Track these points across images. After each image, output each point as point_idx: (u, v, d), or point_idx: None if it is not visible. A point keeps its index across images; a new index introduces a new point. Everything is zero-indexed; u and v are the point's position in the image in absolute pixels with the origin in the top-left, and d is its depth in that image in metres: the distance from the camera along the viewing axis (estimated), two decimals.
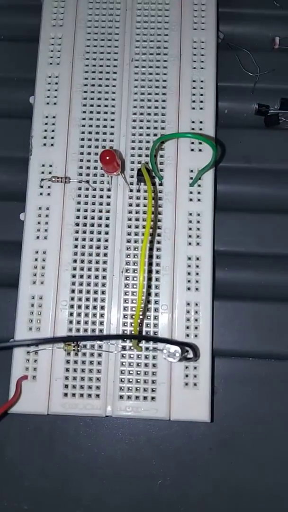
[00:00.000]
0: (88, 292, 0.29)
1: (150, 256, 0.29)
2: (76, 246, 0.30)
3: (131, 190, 0.30)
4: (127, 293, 0.29)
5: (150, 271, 0.29)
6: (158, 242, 0.30)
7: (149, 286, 0.29)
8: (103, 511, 0.30)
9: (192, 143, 0.31)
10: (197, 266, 0.29)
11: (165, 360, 0.24)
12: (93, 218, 0.30)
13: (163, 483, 0.30)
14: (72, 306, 0.29)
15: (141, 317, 0.28)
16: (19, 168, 0.32)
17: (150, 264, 0.29)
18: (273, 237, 0.32)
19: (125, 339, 0.28)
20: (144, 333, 0.28)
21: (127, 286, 0.29)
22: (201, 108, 0.31)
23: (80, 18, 0.32)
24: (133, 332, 0.25)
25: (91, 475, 0.30)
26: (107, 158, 0.24)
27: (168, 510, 0.30)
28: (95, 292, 0.29)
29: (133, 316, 0.28)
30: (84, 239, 0.30)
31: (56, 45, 0.32)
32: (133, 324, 0.25)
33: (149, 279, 0.29)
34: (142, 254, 0.23)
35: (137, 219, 0.30)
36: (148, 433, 0.30)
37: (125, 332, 0.29)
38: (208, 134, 0.31)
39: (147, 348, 0.28)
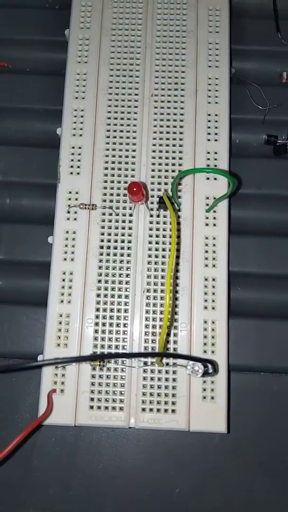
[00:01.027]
0: (112, 310, 0.31)
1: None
2: (100, 268, 0.32)
3: (151, 216, 0.32)
4: (148, 312, 0.31)
5: (171, 291, 0.31)
6: (177, 264, 0.32)
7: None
8: None
9: None
10: (213, 286, 0.31)
11: (189, 375, 0.26)
12: (116, 241, 0.32)
13: (181, 492, 0.32)
14: (97, 324, 0.31)
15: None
16: (46, 194, 0.35)
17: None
18: (284, 258, 0.34)
19: (149, 357, 0.30)
20: (164, 349, 0.30)
21: (148, 305, 0.31)
22: (215, 140, 0.34)
23: (103, 56, 0.35)
24: (156, 349, 0.27)
25: (113, 483, 0.32)
26: (134, 189, 0.27)
27: None
28: (119, 310, 0.31)
29: (154, 333, 0.30)
30: (108, 261, 0.32)
31: (81, 80, 0.35)
32: (158, 342, 0.27)
33: (170, 298, 0.31)
34: (168, 276, 0.25)
35: (157, 242, 0.32)
36: (166, 443, 0.32)
37: (147, 348, 0.31)
38: (222, 163, 0.33)
39: (167, 364, 0.30)
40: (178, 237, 0.32)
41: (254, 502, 0.31)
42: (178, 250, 0.32)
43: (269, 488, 0.31)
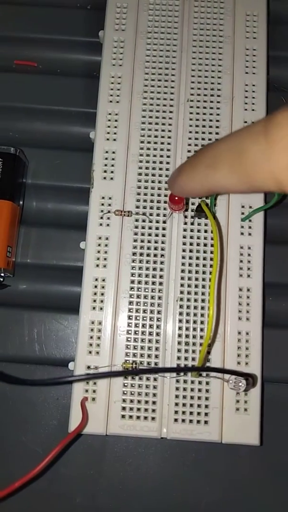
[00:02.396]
0: (144, 318, 0.31)
1: (204, 286, 0.31)
2: (133, 275, 0.31)
3: (185, 223, 0.32)
4: (181, 321, 0.31)
5: (204, 300, 0.31)
6: (210, 274, 0.31)
7: (202, 315, 0.31)
8: None
9: None
10: (248, 297, 0.31)
11: (232, 390, 0.26)
12: (149, 248, 0.32)
13: (208, 502, 0.31)
14: (129, 332, 0.31)
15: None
16: (78, 198, 0.34)
17: (204, 294, 0.31)
18: None
19: (188, 372, 0.29)
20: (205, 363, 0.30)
21: (181, 314, 0.31)
22: None
23: (138, 59, 0.35)
24: (192, 360, 0.27)
25: (140, 493, 0.32)
26: (176, 198, 0.26)
27: None
28: (151, 319, 0.31)
29: (188, 343, 0.30)
30: (140, 268, 0.31)
31: (115, 83, 0.34)
32: (199, 355, 0.27)
33: (203, 308, 0.31)
34: (212, 287, 0.25)
35: (191, 250, 0.32)
36: (196, 454, 0.32)
37: (180, 357, 0.30)
38: None
39: (200, 375, 0.30)
40: (212, 246, 0.32)
41: None
42: (211, 260, 0.31)
43: None
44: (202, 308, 0.31)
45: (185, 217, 0.32)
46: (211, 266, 0.31)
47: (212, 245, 0.32)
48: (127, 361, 0.30)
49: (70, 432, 0.25)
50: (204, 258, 0.31)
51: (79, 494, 0.32)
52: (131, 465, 0.32)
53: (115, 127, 0.33)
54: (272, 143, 0.17)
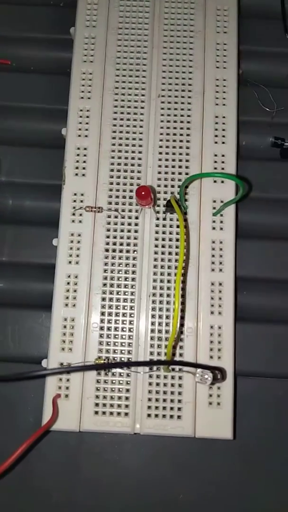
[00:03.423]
0: (117, 314, 0.31)
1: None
2: (106, 271, 0.31)
3: (157, 219, 0.32)
4: (154, 316, 0.31)
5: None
6: (183, 268, 0.31)
7: (174, 310, 0.31)
8: None
9: None
10: (220, 291, 0.31)
11: (198, 383, 0.26)
12: (121, 244, 0.32)
13: (185, 497, 0.32)
14: (102, 328, 0.31)
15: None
16: (50, 195, 0.34)
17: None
18: None
19: (157, 365, 0.29)
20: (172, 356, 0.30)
21: (154, 309, 0.31)
22: (223, 143, 0.33)
23: (109, 55, 0.34)
24: (163, 354, 0.27)
25: (116, 488, 0.32)
26: (143, 193, 0.26)
27: None
28: (124, 314, 0.31)
29: (160, 338, 0.30)
30: (113, 264, 0.31)
31: (87, 80, 0.34)
32: (167, 349, 0.27)
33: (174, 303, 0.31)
34: (177, 282, 0.25)
35: (163, 246, 0.32)
36: (170, 449, 0.32)
37: (152, 353, 0.30)
38: (229, 167, 0.33)
39: (173, 369, 0.30)
40: (185, 241, 0.32)
41: (258, 508, 0.31)
42: (184, 255, 0.31)
43: (274, 494, 0.31)
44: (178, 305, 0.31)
45: (157, 212, 0.32)
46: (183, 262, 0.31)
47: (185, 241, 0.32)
48: (100, 357, 0.30)
49: (39, 428, 0.25)
50: (177, 254, 0.31)
51: (55, 490, 0.32)
52: (107, 461, 0.32)
53: (87, 123, 0.33)
54: None
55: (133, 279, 0.31)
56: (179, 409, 0.30)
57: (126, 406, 0.30)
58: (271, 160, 0.36)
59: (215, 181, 0.33)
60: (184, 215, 0.32)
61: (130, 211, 0.32)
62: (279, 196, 0.35)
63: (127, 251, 0.32)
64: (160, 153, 0.33)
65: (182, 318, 0.31)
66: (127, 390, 0.30)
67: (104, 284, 0.31)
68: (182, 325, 0.31)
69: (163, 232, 0.32)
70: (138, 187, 0.27)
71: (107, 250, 0.32)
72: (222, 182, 0.32)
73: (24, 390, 0.33)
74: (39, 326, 0.33)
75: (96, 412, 0.30)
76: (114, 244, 0.32)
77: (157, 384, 0.30)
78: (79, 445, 0.32)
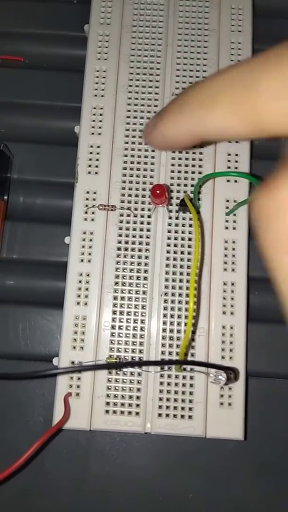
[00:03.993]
0: (129, 313, 0.31)
1: (188, 281, 0.31)
2: (117, 270, 0.31)
3: (170, 218, 0.32)
4: (166, 315, 0.31)
5: (188, 295, 0.31)
6: (196, 268, 0.31)
7: (186, 310, 0.31)
8: None
9: None
10: (232, 291, 0.31)
11: (211, 383, 0.26)
12: (134, 243, 0.32)
13: (193, 497, 0.31)
14: (113, 327, 0.31)
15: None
16: (62, 193, 0.34)
17: (188, 288, 0.31)
18: None
19: (169, 365, 0.29)
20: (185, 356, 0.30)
21: (165, 308, 0.31)
22: (236, 142, 0.33)
23: (123, 53, 0.34)
24: (176, 355, 0.27)
25: (126, 488, 0.32)
26: (158, 192, 0.26)
27: None
28: (136, 313, 0.31)
29: (172, 337, 0.30)
30: (125, 263, 0.31)
31: (100, 77, 0.34)
32: (180, 349, 0.27)
33: (187, 302, 0.31)
34: (192, 281, 0.25)
35: (175, 245, 0.32)
36: (181, 448, 0.32)
37: (164, 352, 0.30)
38: (243, 166, 0.32)
39: (184, 369, 0.30)
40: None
41: (268, 509, 0.31)
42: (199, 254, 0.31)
43: (285, 496, 0.31)
44: (187, 303, 0.31)
45: (170, 211, 0.32)
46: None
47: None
48: (112, 356, 0.30)
49: (51, 427, 0.25)
50: (189, 253, 0.31)
51: (63, 489, 0.32)
52: (116, 460, 0.32)
53: (100, 121, 0.33)
54: None
55: (145, 278, 0.31)
56: (190, 409, 0.29)
57: (137, 405, 0.30)
58: None
59: (228, 181, 0.32)
60: (197, 214, 0.31)
61: (142, 209, 0.32)
62: None
63: (139, 250, 0.31)
64: (173, 151, 0.33)
65: (194, 317, 0.30)
66: (138, 390, 0.30)
67: (116, 283, 0.31)
68: (194, 324, 0.30)
69: (176, 231, 0.32)
70: (153, 185, 0.27)
71: (119, 249, 0.31)
72: (236, 181, 0.32)
73: (33, 387, 0.33)
74: (50, 324, 0.32)
75: (107, 411, 0.30)
76: (126, 242, 0.32)
77: (168, 384, 0.30)
78: (89, 443, 0.32)
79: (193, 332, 0.30)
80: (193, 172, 0.32)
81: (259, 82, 0.15)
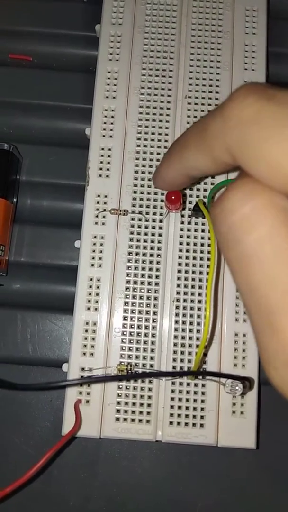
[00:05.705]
0: (140, 319, 0.30)
1: (200, 287, 0.30)
2: (129, 275, 0.31)
3: (182, 223, 0.31)
4: (177, 322, 0.30)
5: (200, 301, 0.30)
6: (207, 274, 0.31)
7: (198, 316, 0.30)
8: None
9: None
10: None
11: (228, 394, 0.25)
12: (145, 248, 0.31)
13: (203, 506, 0.31)
14: (124, 333, 0.30)
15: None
16: (73, 196, 0.33)
17: (200, 294, 0.30)
18: None
19: (184, 376, 0.29)
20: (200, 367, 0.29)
21: (177, 315, 0.30)
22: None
23: (135, 54, 0.34)
24: (188, 362, 0.26)
25: (135, 496, 0.31)
26: (173, 197, 0.26)
27: None
28: (147, 319, 0.30)
29: (184, 344, 0.30)
30: (136, 268, 0.31)
31: (112, 79, 0.33)
32: (194, 359, 0.26)
33: (199, 308, 0.30)
34: (209, 289, 0.24)
35: (187, 250, 0.31)
36: (191, 457, 0.31)
37: (175, 359, 0.30)
38: None
39: (196, 377, 0.29)
40: (209, 246, 0.31)
41: None
42: (208, 260, 0.31)
43: None
44: (199, 309, 0.30)
45: (182, 216, 0.31)
46: (208, 266, 0.31)
47: (209, 245, 0.31)
48: (122, 363, 0.30)
49: (63, 436, 0.25)
50: (201, 258, 0.31)
51: (73, 496, 0.31)
52: (126, 468, 0.31)
53: (111, 123, 0.33)
54: (226, 119, 0.18)
55: (156, 284, 0.31)
56: (201, 417, 0.29)
57: (148, 413, 0.29)
58: None
59: None
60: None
61: (154, 214, 0.31)
62: None
63: (151, 255, 0.31)
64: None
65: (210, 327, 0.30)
66: (149, 397, 0.29)
67: (127, 288, 0.31)
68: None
69: (188, 236, 0.31)
70: (168, 191, 0.26)
71: (130, 254, 0.31)
72: None
73: (40, 393, 0.32)
74: (59, 329, 0.32)
75: (117, 419, 0.29)
76: (138, 247, 0.31)
77: (180, 392, 0.29)
78: (99, 451, 0.31)
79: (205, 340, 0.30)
80: (205, 177, 0.32)
81: (208, 126, 0.19)
